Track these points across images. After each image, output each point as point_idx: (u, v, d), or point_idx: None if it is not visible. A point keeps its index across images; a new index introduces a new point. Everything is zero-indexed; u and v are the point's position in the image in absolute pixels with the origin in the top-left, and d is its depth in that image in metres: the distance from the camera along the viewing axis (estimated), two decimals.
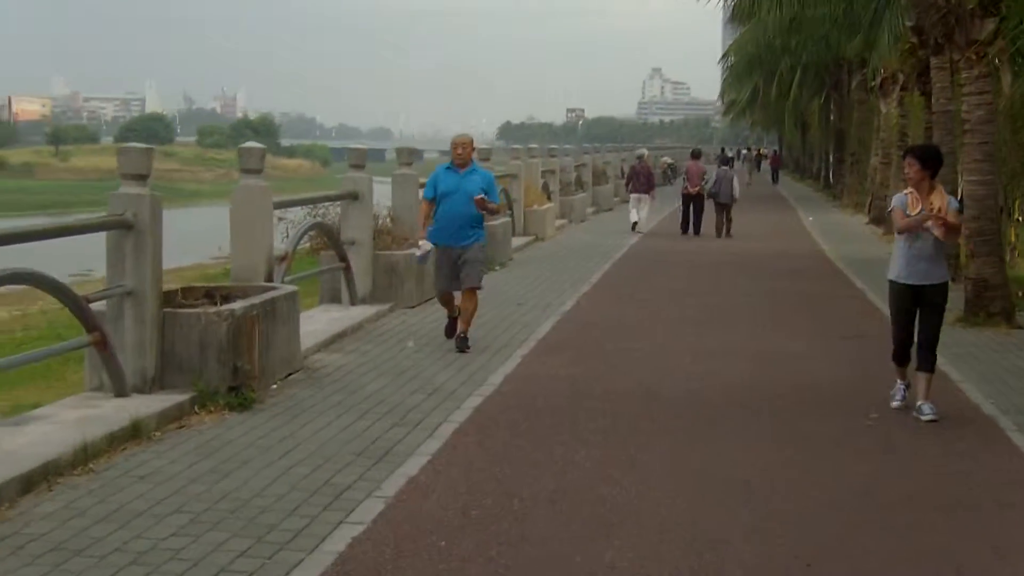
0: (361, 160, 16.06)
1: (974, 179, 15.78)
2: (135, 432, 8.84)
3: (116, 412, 9.08)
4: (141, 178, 9.88)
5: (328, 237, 15.19)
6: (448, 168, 13.47)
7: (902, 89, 31.20)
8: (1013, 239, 22.74)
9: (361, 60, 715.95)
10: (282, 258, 12.99)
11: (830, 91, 54.81)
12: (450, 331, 13.48)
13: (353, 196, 15.59)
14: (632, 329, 14.97)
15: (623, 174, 39.93)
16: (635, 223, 31.58)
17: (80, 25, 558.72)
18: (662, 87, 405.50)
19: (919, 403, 10.35)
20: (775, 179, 72.84)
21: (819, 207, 45.77)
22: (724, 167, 32.48)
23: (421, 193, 19.30)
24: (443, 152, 26.98)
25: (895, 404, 10.66)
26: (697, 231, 30.94)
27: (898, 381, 10.81)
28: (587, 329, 14.86)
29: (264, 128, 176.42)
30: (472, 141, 13.68)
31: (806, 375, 12.08)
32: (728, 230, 30.65)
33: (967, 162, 15.94)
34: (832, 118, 55.64)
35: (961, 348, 13.84)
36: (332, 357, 12.56)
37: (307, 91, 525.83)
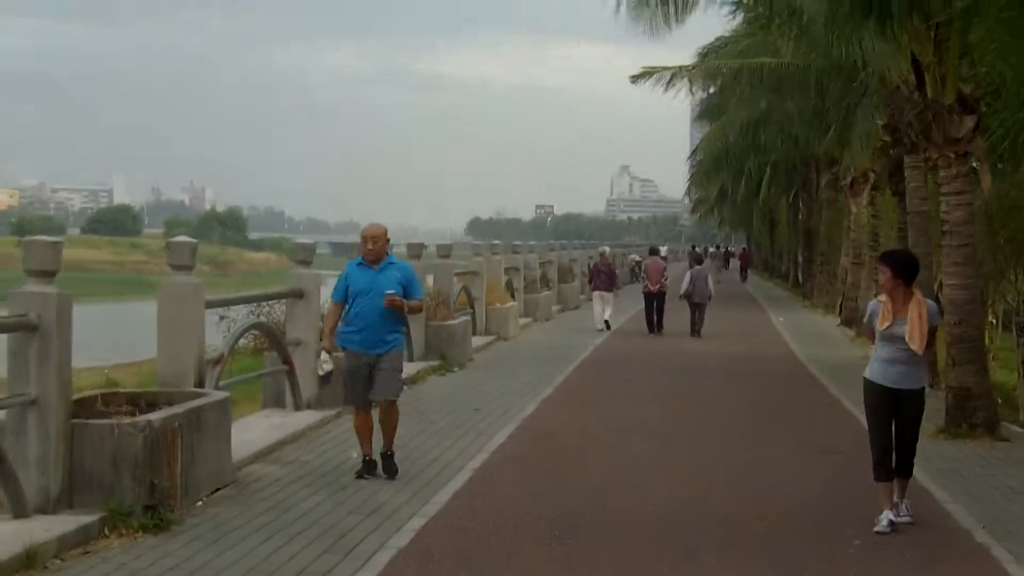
0: (308, 256, 15.12)
1: (954, 283, 14.96)
2: (28, 561, 7.83)
3: (9, 537, 8.05)
4: (48, 274, 8.98)
5: (270, 337, 14.22)
6: (359, 264, 11.62)
7: (873, 188, 30.63)
8: (988, 343, 22.01)
9: (333, 155, 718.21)
10: (216, 361, 12.03)
11: (799, 189, 54.44)
12: (367, 470, 11.44)
13: (298, 294, 14.65)
14: (595, 441, 13.97)
15: (589, 272, 39.16)
16: (606, 322, 30.93)
17: (49, 115, 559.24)
18: (630, 184, 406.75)
19: (896, 499, 10.01)
20: (743, 277, 72.36)
21: (789, 307, 45.07)
22: (698, 266, 32.05)
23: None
24: (410, 245, 26.41)
25: (878, 529, 9.75)
26: (660, 329, 30.40)
27: (884, 509, 9.90)
28: (546, 440, 13.88)
29: (232, 221, 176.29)
30: (385, 233, 11.70)
31: (783, 496, 11.08)
32: (699, 329, 30.03)
33: (947, 265, 15.14)
34: (800, 216, 55.17)
35: (944, 463, 12.96)
36: (268, 469, 11.56)
37: (277, 185, 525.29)
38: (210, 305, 12.27)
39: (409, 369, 18.76)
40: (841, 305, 36.25)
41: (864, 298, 29.96)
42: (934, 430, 14.69)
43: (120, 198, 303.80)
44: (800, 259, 57.10)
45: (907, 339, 9.73)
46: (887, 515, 9.83)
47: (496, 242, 32.32)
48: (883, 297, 9.98)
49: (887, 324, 9.82)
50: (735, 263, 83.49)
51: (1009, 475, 12.45)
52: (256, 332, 15.02)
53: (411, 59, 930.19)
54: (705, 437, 14.51)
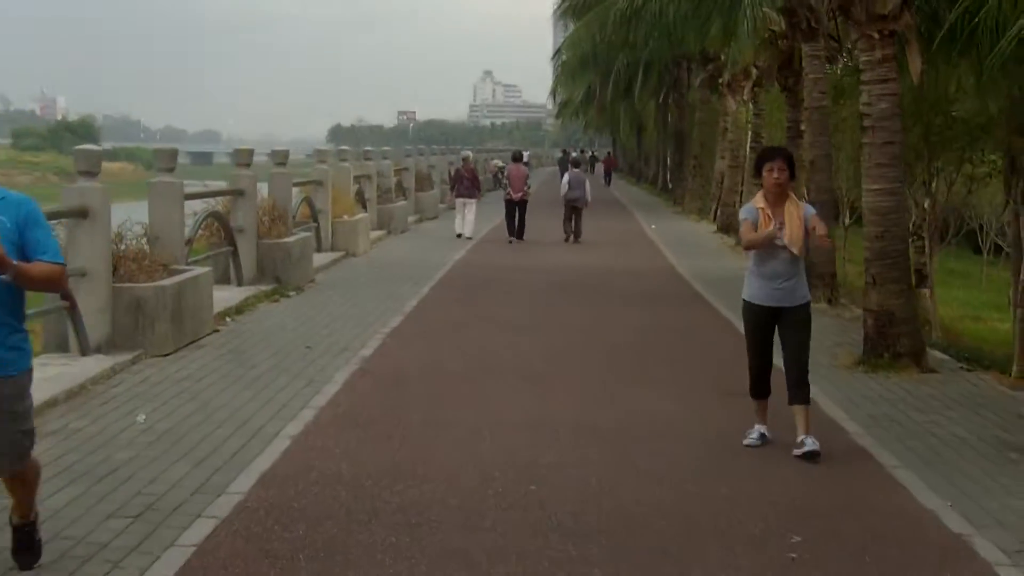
0: (94, 167, 12.19)
1: (877, 187, 12.61)
2: None
3: None
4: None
5: None
6: None
7: (755, 85, 28.42)
8: None
9: (189, 62, 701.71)
10: None
11: (669, 90, 52.19)
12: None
13: (81, 213, 11.77)
14: (450, 387, 11.34)
15: (450, 178, 36.62)
16: (466, 232, 29.23)
17: None
18: (493, 90, 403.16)
19: (800, 438, 8.87)
20: (608, 182, 70.63)
21: (660, 213, 42.93)
22: (575, 170, 30.94)
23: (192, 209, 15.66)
24: (237, 152, 23.20)
25: (747, 442, 9.16)
26: (521, 236, 29.05)
27: (756, 424, 9.32)
28: (390, 387, 11.21)
29: (84, 130, 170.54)
30: None
31: (686, 470, 8.60)
32: (579, 235, 29.17)
33: (868, 167, 12.76)
34: (671, 119, 52.98)
35: (874, 406, 10.71)
36: None
37: (133, 93, 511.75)
38: None
39: (235, 296, 16.11)
40: (716, 210, 34.24)
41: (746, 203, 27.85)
42: (851, 360, 12.63)
43: None
44: (670, 163, 55.04)
45: (788, 242, 8.86)
46: (759, 428, 9.25)
47: (344, 148, 29.39)
48: (759, 201, 9.05)
49: (768, 230, 8.87)
50: (599, 168, 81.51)
51: (953, 420, 10.23)
52: None
53: None
54: (581, 378, 12.01)
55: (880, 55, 12.49)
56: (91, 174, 12.04)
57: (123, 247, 12.81)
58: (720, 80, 33.27)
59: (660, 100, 56.15)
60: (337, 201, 23.95)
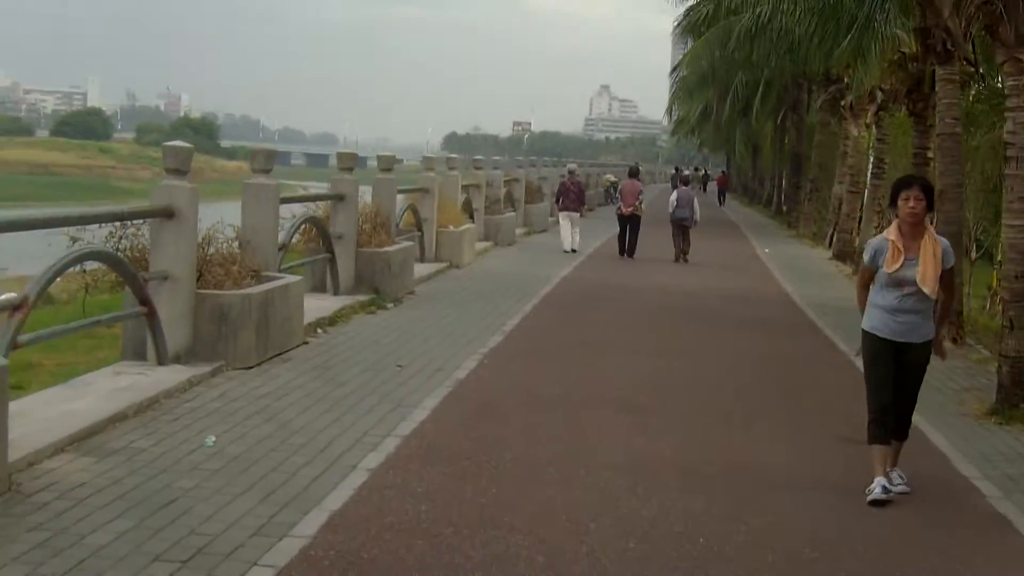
0: (184, 165, 11.50)
1: (1020, 223, 11.60)
2: None
3: None
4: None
5: (117, 269, 10.60)
6: None
7: (880, 109, 27.28)
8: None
9: (310, 66, 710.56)
10: (17, 307, 8.48)
11: (788, 111, 50.94)
12: None
13: (167, 213, 11.13)
14: (547, 418, 10.47)
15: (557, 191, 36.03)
16: (572, 247, 28.79)
17: (25, 18, 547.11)
18: (610, 104, 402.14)
19: (890, 471, 8.62)
20: (721, 201, 69.36)
21: (773, 236, 41.75)
22: (684, 188, 30.29)
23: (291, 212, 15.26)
24: (340, 155, 22.42)
25: (872, 499, 8.26)
26: (632, 254, 28.60)
27: (876, 477, 8.41)
28: (483, 416, 10.39)
29: (204, 127, 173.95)
30: None
31: (804, 530, 7.73)
32: (686, 254, 28.45)
33: (1011, 201, 11.76)
34: (788, 140, 51.71)
35: (1012, 465, 9.69)
36: (78, 464, 8.05)
37: (254, 93, 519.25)
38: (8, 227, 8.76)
39: (330, 306, 15.48)
40: (832, 236, 33.08)
41: (864, 232, 26.87)
42: (982, 409, 11.60)
43: (94, 102, 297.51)
44: (785, 185, 53.75)
45: (919, 281, 8.28)
46: (880, 482, 8.37)
47: (453, 155, 28.77)
48: (891, 233, 8.44)
49: (897, 265, 8.33)
50: (712, 186, 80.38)
51: None
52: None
53: None
54: (689, 412, 11.13)
55: None
56: (180, 172, 11.34)
57: (211, 250, 12.17)
58: (842, 103, 32.14)
59: (778, 121, 54.98)
60: (443, 210, 23.29)
